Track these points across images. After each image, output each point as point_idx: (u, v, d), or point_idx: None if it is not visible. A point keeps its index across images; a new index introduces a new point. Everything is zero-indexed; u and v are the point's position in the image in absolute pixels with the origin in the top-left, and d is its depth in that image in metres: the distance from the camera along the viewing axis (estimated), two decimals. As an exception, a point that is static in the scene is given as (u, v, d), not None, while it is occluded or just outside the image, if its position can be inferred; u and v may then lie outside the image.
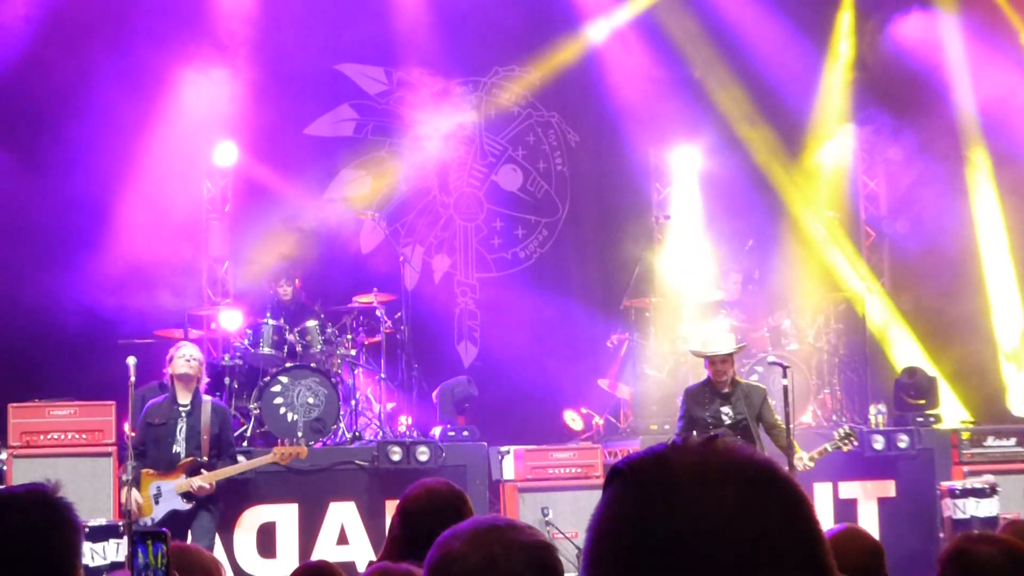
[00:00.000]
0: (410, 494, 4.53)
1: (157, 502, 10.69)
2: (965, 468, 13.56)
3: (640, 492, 1.49)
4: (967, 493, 12.84)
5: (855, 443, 11.39)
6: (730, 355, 11.34)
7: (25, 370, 14.22)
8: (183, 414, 10.93)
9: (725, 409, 10.99)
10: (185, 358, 11.05)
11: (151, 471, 10.78)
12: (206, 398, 11.14)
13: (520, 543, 2.28)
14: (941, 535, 12.75)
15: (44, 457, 11.53)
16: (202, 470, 10.80)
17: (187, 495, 10.72)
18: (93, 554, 10.33)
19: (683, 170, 16.52)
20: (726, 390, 11.09)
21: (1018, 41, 16.70)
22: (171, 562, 3.25)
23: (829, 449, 11.18)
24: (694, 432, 10.59)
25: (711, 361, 11.17)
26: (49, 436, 11.82)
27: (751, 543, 1.43)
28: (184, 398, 10.97)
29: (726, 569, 1.41)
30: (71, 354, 14.14)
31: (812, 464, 11.04)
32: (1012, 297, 16.67)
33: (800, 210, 16.88)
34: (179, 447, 10.86)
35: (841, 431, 11.43)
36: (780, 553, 1.44)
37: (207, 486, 10.71)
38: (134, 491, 10.63)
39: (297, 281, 14.39)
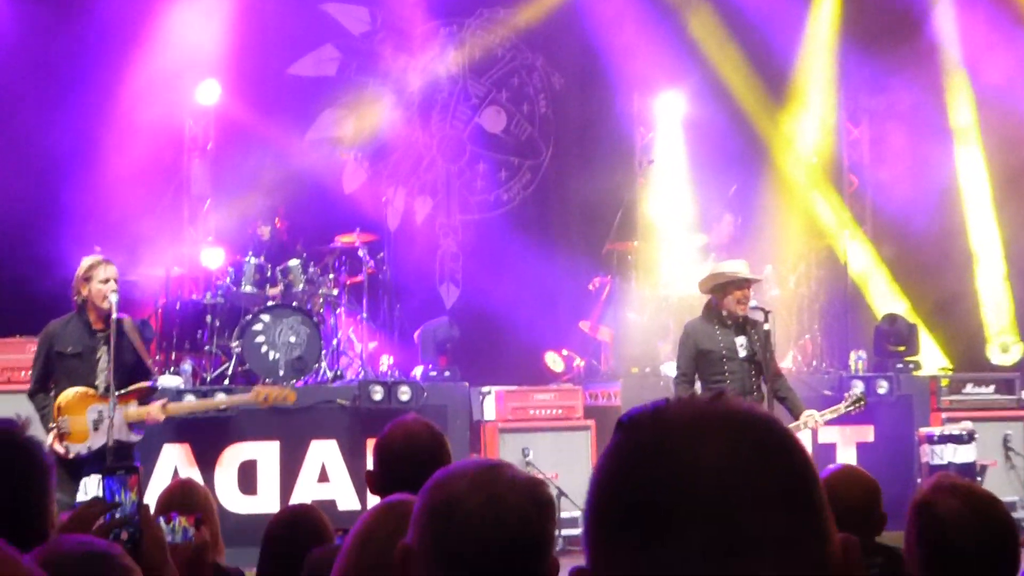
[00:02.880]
0: (387, 434, 4.51)
1: (96, 428, 9.13)
2: (944, 415, 13.63)
3: (636, 441, 1.50)
4: (945, 439, 12.91)
5: (863, 407, 11.09)
6: (758, 283, 10.96)
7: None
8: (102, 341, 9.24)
9: (740, 340, 10.32)
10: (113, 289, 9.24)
11: (89, 391, 9.13)
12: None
13: (518, 481, 2.30)
14: (919, 481, 12.82)
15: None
16: (158, 400, 9.43)
17: (138, 426, 9.27)
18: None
19: (667, 115, 16.51)
20: (740, 322, 10.42)
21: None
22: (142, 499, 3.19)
23: (842, 410, 10.84)
24: (704, 365, 10.30)
25: (737, 287, 10.36)
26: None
27: (743, 488, 1.44)
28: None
29: (718, 514, 1.42)
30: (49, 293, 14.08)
31: (822, 423, 10.62)
32: (994, 245, 16.72)
33: (783, 156, 16.89)
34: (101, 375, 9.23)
35: (853, 394, 11.01)
36: (772, 497, 1.45)
37: (161, 418, 9.40)
38: (63, 418, 9.05)
39: (278, 220, 14.37)
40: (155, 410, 9.24)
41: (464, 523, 2.22)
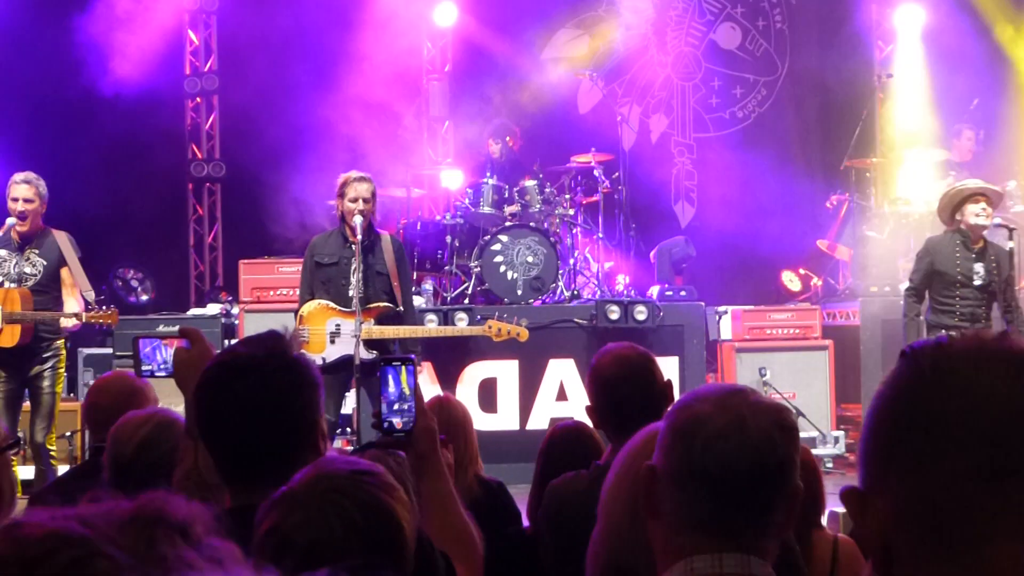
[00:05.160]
0: (600, 362, 4.63)
1: (333, 341, 9.38)
2: None
3: (919, 368, 1.58)
4: None
5: None
6: (1000, 197, 10.55)
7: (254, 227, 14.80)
8: None
9: (978, 267, 10.12)
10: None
11: (331, 304, 9.42)
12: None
13: (764, 404, 2.35)
14: None
15: (273, 312, 11.86)
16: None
17: (374, 346, 9.30)
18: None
19: (907, 27, 16.10)
20: (980, 245, 10.18)
21: None
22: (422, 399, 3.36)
23: None
24: (938, 284, 10.17)
25: (974, 202, 10.12)
26: (278, 292, 12.23)
27: (1009, 420, 1.50)
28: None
29: (991, 439, 1.50)
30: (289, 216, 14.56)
31: None
32: None
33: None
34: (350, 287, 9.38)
35: None
36: None
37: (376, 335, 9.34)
38: (303, 328, 9.30)
39: (510, 139, 14.49)
40: (379, 331, 9.33)
41: (709, 444, 2.27)
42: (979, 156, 14.61)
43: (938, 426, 1.52)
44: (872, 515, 1.57)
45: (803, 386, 12.51)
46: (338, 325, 9.37)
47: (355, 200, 9.33)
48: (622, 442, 2.94)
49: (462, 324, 11.65)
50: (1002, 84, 16.16)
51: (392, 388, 3.31)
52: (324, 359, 9.26)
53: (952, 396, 1.53)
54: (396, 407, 3.32)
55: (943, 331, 9.95)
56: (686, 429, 2.32)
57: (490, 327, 10.25)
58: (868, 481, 1.60)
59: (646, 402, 4.43)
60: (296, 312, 9.59)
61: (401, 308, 9.52)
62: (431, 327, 11.37)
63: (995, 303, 10.41)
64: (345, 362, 9.26)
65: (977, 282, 10.13)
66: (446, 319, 11.80)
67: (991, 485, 1.49)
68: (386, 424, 3.33)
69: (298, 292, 9.76)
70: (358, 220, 9.26)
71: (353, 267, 9.32)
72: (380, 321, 9.41)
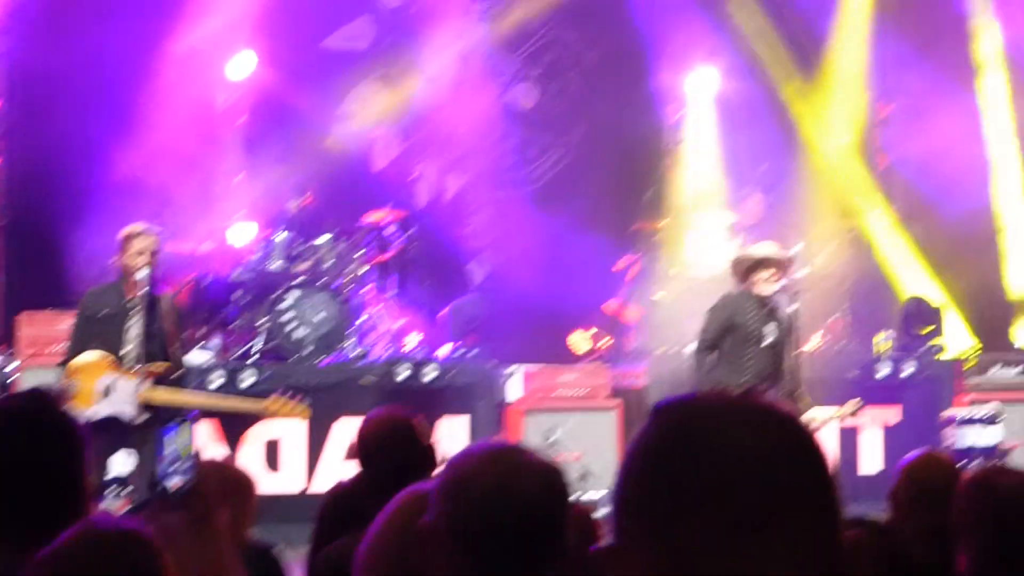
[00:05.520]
0: (364, 428, 4.69)
1: (107, 396, 8.68)
2: (969, 397, 13.61)
3: (669, 424, 1.60)
4: (969, 422, 12.88)
5: (860, 412, 11.12)
6: (790, 262, 10.69)
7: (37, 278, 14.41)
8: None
9: (769, 327, 10.21)
10: None
11: (109, 358, 8.84)
12: None
13: (532, 465, 2.35)
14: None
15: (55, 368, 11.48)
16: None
17: (148, 408, 8.53)
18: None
19: (699, 92, 16.45)
20: (770, 307, 10.27)
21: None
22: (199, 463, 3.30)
23: (837, 416, 10.85)
24: (730, 340, 10.22)
25: (764, 268, 10.23)
26: (61, 346, 11.89)
27: (768, 476, 1.54)
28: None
29: (741, 498, 1.52)
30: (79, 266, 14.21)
31: (823, 426, 10.49)
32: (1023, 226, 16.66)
33: (814, 134, 16.82)
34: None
35: (852, 405, 10.96)
36: (794, 487, 1.55)
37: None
38: (71, 380, 8.78)
39: (309, 195, 14.41)
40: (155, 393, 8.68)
41: (477, 503, 2.29)
42: (767, 218, 14.95)
43: (689, 481, 1.53)
44: (627, 572, 1.58)
45: (591, 447, 12.59)
46: (112, 381, 8.74)
47: (139, 254, 9.04)
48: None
49: (249, 382, 11.51)
50: (790, 147, 16.60)
51: (169, 449, 3.26)
52: (94, 415, 8.54)
53: (701, 451, 1.55)
54: (173, 468, 3.27)
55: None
56: (455, 488, 2.33)
57: (268, 406, 9.46)
58: (623, 537, 1.60)
59: (411, 464, 4.45)
60: (64, 363, 9.09)
61: (181, 368, 9.13)
62: (210, 396, 11.06)
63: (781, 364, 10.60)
64: (117, 420, 8.57)
65: (769, 339, 10.23)
66: (232, 377, 11.64)
67: (742, 538, 1.51)
68: (161, 485, 3.27)
69: (68, 345, 9.32)
70: (141, 275, 9.00)
71: (131, 323, 8.91)
72: (159, 381, 8.82)
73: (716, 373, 10.47)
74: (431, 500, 2.36)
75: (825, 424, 10.75)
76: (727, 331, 10.31)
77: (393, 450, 4.58)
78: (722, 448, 1.54)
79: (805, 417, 10.11)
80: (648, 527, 1.56)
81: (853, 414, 11.01)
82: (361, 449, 4.71)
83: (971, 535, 3.74)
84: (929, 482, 4.57)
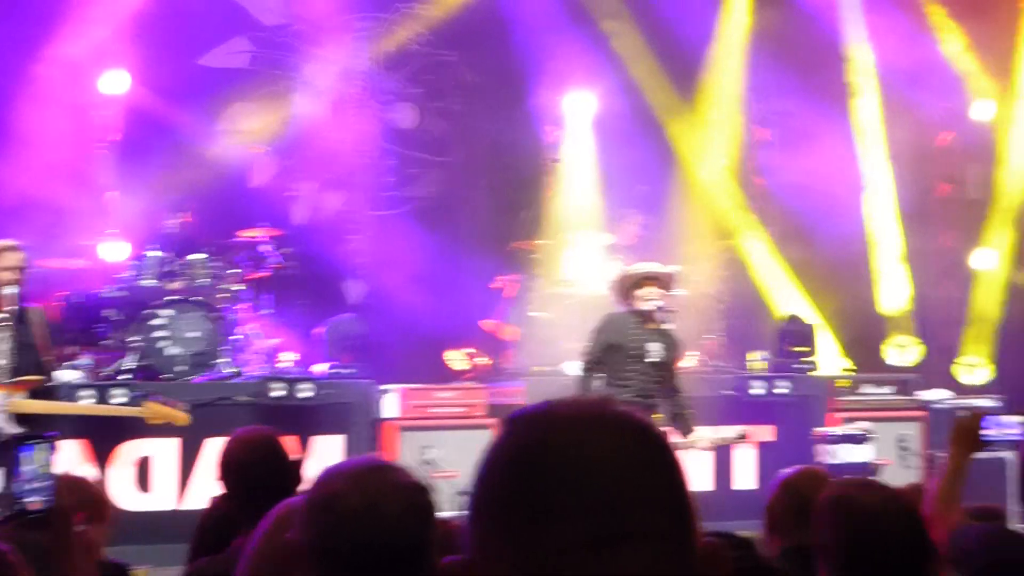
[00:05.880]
0: (228, 448, 4.65)
1: None
2: (842, 415, 13.79)
3: (522, 435, 1.58)
4: (840, 439, 13.05)
5: (744, 441, 11.40)
6: (672, 280, 10.65)
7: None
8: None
9: (654, 346, 10.23)
10: None
11: None
12: None
13: (399, 484, 2.33)
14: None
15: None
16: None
17: (23, 419, 8.67)
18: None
19: (577, 114, 16.56)
20: (653, 324, 10.30)
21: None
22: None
23: (725, 440, 11.02)
24: (613, 359, 10.24)
25: (647, 285, 10.28)
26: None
27: (623, 483, 1.52)
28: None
29: (598, 506, 1.50)
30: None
31: (706, 447, 10.65)
32: (895, 248, 16.96)
33: (692, 156, 17.00)
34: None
35: (738, 432, 11.03)
36: (649, 494, 1.53)
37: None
38: None
39: (187, 214, 14.25)
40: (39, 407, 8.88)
41: (341, 521, 2.27)
42: (644, 240, 15.06)
43: (547, 493, 1.51)
44: None
45: (468, 465, 12.43)
46: None
47: (6, 270, 9.01)
48: (256, 524, 2.88)
49: (120, 400, 11.34)
50: (667, 172, 16.77)
51: (28, 467, 3.18)
52: None
53: (559, 462, 1.52)
54: (31, 486, 3.18)
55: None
56: (321, 506, 2.31)
57: (147, 408, 9.90)
58: (478, 548, 1.57)
59: (277, 481, 4.43)
60: None
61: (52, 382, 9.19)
62: (87, 404, 11.01)
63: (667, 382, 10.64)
64: None
65: (653, 358, 10.26)
66: (103, 395, 11.46)
67: (603, 551, 1.48)
68: (19, 504, 3.19)
69: None
70: (9, 291, 8.93)
71: (1, 337, 8.92)
72: (33, 394, 8.97)
73: (599, 391, 10.52)
74: (298, 517, 2.33)
75: (713, 446, 10.89)
76: (609, 350, 10.36)
77: (257, 466, 4.54)
78: (577, 456, 1.53)
79: (692, 436, 10.24)
80: (504, 537, 1.54)
81: (738, 441, 11.23)
82: (224, 468, 4.69)
83: (829, 554, 3.76)
84: (806, 496, 4.59)
